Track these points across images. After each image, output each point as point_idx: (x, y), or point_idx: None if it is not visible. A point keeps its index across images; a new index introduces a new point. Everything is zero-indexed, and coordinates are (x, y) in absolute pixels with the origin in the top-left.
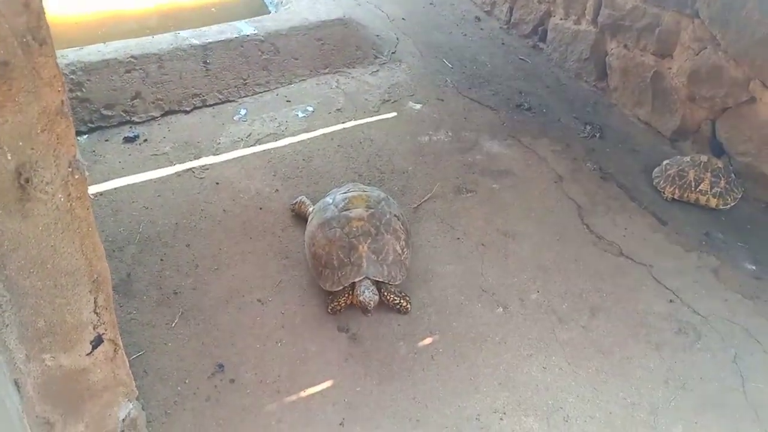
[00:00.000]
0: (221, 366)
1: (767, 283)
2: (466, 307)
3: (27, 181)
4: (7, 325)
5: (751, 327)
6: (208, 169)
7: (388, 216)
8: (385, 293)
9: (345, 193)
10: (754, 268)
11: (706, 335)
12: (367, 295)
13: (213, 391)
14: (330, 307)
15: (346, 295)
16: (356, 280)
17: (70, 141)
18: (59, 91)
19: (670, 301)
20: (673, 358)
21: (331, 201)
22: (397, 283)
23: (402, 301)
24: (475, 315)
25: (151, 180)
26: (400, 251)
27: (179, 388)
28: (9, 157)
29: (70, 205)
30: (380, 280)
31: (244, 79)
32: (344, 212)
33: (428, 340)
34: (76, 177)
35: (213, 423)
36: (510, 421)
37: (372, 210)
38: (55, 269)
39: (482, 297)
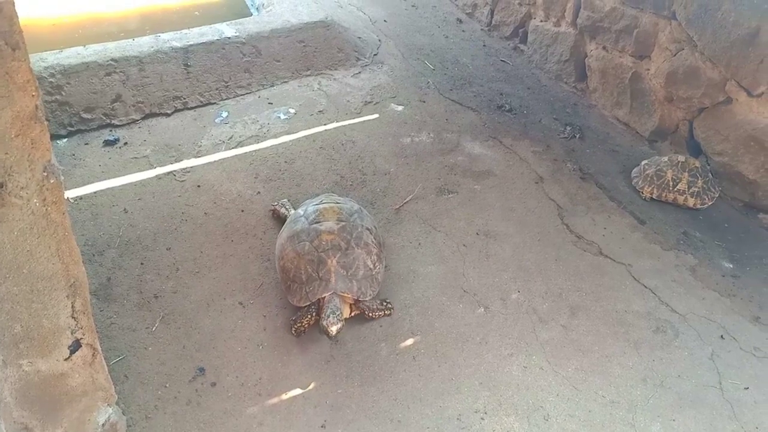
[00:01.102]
0: (202, 369)
1: (744, 281)
2: (448, 307)
3: (1, 185)
4: None
5: (728, 325)
6: (189, 172)
7: (359, 229)
8: (367, 311)
9: (317, 204)
10: (731, 266)
11: (684, 333)
12: (332, 319)
13: (194, 394)
14: (294, 329)
15: (310, 315)
16: (324, 295)
17: (44, 145)
18: (33, 95)
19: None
20: (651, 356)
21: (302, 213)
22: (366, 299)
23: (385, 310)
24: (456, 315)
25: (131, 183)
26: (371, 266)
27: (160, 392)
28: None
29: (46, 209)
30: (349, 296)
31: (226, 82)
32: (314, 225)
33: (410, 341)
34: (52, 181)
35: (194, 427)
36: (491, 421)
37: (343, 223)
38: (31, 274)
39: (464, 297)
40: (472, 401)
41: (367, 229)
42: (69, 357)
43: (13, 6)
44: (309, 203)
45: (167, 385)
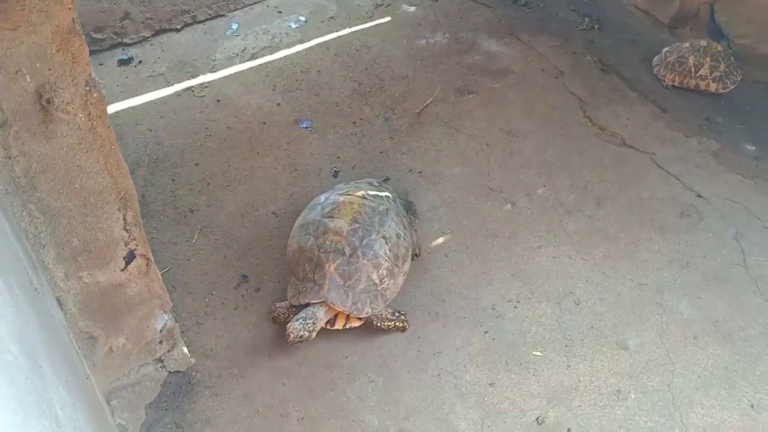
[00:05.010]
0: (245, 276)
1: (766, 162)
2: (476, 205)
3: (48, 101)
4: (44, 246)
5: (751, 205)
6: (207, 87)
7: (373, 236)
8: (377, 322)
9: (341, 193)
10: (753, 148)
11: (708, 216)
12: (297, 325)
13: (240, 300)
14: (270, 313)
15: (287, 312)
16: (314, 302)
17: (84, 60)
18: (70, 8)
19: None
20: (677, 239)
21: (323, 200)
22: (362, 316)
23: (397, 322)
24: (484, 213)
25: (151, 102)
26: (376, 281)
27: (207, 299)
28: (28, 79)
29: (92, 124)
30: (340, 309)
31: None
32: (325, 219)
33: (440, 240)
34: (95, 96)
35: (243, 329)
36: (524, 308)
37: (357, 225)
38: (83, 189)
39: (490, 195)
40: (505, 291)
41: (384, 237)
42: (125, 268)
43: None
44: (338, 189)
45: (213, 293)
